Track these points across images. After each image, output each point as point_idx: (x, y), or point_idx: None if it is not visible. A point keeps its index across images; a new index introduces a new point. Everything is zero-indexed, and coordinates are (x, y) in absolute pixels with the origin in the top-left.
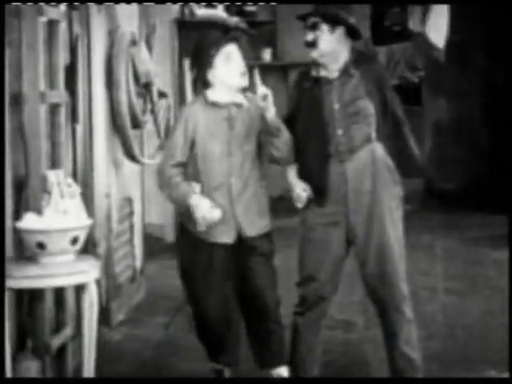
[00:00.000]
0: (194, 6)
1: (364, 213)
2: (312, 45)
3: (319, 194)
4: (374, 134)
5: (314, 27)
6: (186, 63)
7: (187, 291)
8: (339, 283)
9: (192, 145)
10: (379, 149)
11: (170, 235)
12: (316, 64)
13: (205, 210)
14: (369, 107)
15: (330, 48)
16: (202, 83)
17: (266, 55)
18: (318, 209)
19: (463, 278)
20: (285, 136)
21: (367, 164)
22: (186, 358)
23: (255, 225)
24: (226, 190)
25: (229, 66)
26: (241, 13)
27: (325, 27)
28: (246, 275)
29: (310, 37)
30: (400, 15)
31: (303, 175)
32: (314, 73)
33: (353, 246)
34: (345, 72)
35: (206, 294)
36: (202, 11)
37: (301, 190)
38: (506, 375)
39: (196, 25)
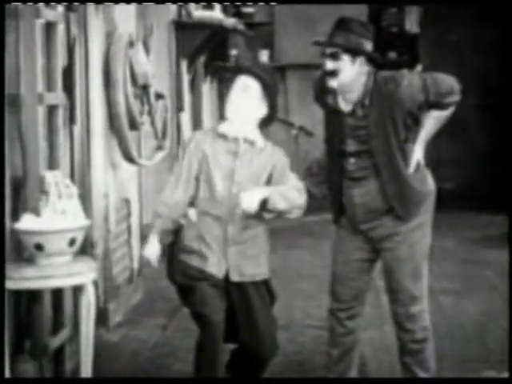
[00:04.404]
0: (191, 7)
1: (378, 231)
2: (332, 74)
3: (334, 211)
4: (382, 170)
5: (333, 56)
6: (184, 65)
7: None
8: (368, 283)
9: (198, 175)
10: (391, 181)
11: None
12: (332, 91)
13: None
14: (377, 148)
15: (350, 78)
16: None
17: (264, 57)
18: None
19: (461, 279)
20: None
21: (375, 194)
22: (184, 359)
23: (244, 271)
24: (223, 227)
25: (231, 97)
26: (238, 14)
27: (346, 58)
28: (244, 311)
29: (329, 65)
30: (397, 16)
31: (328, 187)
32: (330, 100)
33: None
34: (358, 108)
35: (199, 300)
36: (199, 13)
37: None
38: (505, 375)
39: (193, 26)
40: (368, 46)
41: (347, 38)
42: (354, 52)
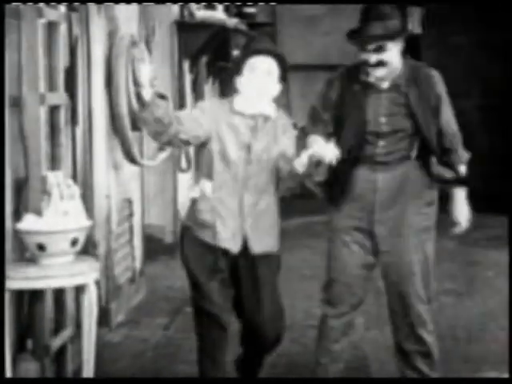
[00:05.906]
0: (193, 7)
1: (389, 227)
2: (378, 65)
3: (338, 194)
4: (414, 153)
5: (378, 50)
6: (186, 65)
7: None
8: (367, 290)
9: (206, 139)
10: (416, 168)
11: (169, 236)
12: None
13: None
14: (411, 128)
15: (398, 62)
16: (233, 88)
17: None
18: (344, 211)
19: (462, 279)
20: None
21: (400, 180)
22: (186, 359)
23: (262, 242)
24: (238, 199)
25: (251, 78)
26: (240, 14)
27: (390, 45)
28: (251, 285)
29: (373, 59)
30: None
31: (333, 170)
32: (363, 77)
33: (379, 257)
34: (396, 86)
35: (209, 298)
36: (201, 13)
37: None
38: (505, 376)
39: (195, 26)
40: (400, 23)
41: (385, 26)
42: (394, 37)
